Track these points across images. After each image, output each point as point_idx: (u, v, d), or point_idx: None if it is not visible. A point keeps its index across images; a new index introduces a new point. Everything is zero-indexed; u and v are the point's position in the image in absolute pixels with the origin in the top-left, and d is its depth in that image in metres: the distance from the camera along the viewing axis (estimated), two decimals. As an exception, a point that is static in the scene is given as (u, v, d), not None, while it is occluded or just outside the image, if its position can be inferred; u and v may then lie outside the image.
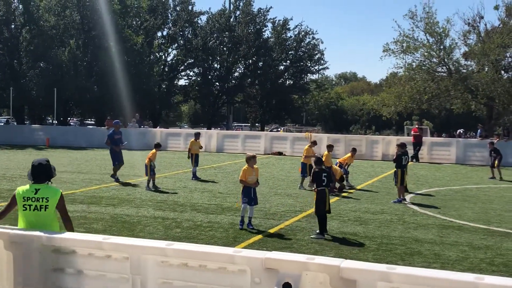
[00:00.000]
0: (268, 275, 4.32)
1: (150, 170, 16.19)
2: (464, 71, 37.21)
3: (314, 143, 18.43)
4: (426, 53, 36.92)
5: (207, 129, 47.38)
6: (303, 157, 17.66)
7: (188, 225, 11.22)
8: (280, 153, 30.91)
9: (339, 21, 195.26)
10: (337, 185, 16.47)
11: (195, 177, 18.82)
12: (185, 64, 55.61)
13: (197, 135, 20.47)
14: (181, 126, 74.50)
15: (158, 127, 42.16)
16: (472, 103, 38.43)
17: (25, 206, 5.73)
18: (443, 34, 36.34)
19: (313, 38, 57.59)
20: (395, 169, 15.17)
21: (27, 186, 5.83)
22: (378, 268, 4.06)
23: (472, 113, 43.89)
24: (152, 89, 48.10)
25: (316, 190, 10.72)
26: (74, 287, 5.10)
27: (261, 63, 56.19)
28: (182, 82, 59.57)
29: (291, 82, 59.17)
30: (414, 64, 37.78)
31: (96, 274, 4.99)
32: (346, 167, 17.96)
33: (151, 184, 16.21)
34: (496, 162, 21.49)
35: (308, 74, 60.19)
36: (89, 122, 56.06)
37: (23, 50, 43.91)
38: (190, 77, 57.94)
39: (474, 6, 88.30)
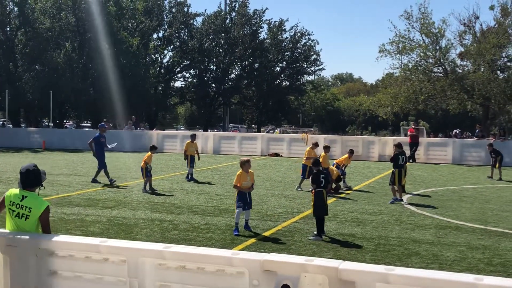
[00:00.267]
0: (266, 277, 4.30)
1: (147, 172, 16.18)
2: (460, 71, 37.30)
3: (315, 144, 18.32)
4: (422, 54, 37.01)
5: (203, 131, 47.37)
6: (305, 158, 17.63)
7: (185, 227, 11.19)
8: (277, 155, 30.89)
9: (334, 22, 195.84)
10: (333, 185, 16.45)
11: (191, 178, 18.82)
12: (181, 65, 55.59)
13: (193, 137, 20.47)
14: (178, 128, 74.39)
15: (155, 129, 42.04)
16: (468, 103, 38.54)
17: (10, 210, 5.68)
18: (439, 35, 36.46)
19: (309, 39, 57.67)
20: (393, 169, 15.18)
21: (17, 191, 5.75)
22: (377, 269, 4.05)
23: (468, 113, 44.05)
24: (148, 91, 48.05)
25: (313, 191, 10.72)
26: (71, 290, 5.06)
27: (257, 64, 56.14)
28: (178, 83, 59.60)
29: (287, 83, 59.11)
30: (410, 64, 37.91)
31: (93, 278, 4.96)
32: (343, 168, 17.95)
33: (147, 187, 16.18)
34: (497, 163, 21.55)
35: (304, 75, 60.28)
36: (85, 124, 55.94)
37: (19, 53, 43.81)
38: (186, 79, 57.97)
39: (470, 7, 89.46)
